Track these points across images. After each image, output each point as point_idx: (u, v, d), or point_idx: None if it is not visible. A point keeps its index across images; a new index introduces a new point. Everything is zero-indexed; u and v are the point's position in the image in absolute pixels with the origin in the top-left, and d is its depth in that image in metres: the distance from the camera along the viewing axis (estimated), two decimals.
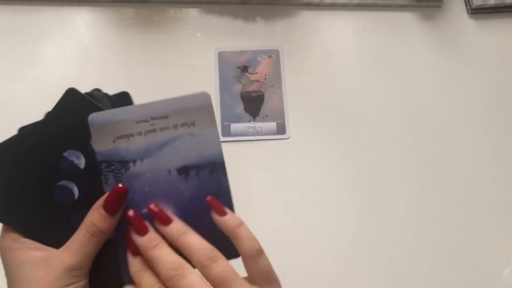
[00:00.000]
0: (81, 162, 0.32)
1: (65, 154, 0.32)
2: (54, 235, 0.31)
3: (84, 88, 0.62)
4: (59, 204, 0.32)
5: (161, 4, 0.66)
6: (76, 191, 0.32)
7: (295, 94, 0.62)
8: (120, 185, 0.30)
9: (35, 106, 0.60)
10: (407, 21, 0.67)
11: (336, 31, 0.67)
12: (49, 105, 0.64)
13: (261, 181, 0.58)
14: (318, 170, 0.59)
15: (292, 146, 0.60)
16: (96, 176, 0.30)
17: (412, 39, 0.66)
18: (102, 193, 0.31)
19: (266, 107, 0.61)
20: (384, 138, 0.61)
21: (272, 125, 0.61)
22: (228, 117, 0.60)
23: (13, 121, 0.63)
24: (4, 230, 0.32)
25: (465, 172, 0.60)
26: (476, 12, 0.68)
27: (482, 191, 0.59)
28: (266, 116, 0.61)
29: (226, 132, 0.59)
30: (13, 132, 0.60)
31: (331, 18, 0.67)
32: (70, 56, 0.63)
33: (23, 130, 0.33)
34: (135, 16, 0.66)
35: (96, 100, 0.34)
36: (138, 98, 0.61)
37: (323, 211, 0.57)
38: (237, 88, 0.62)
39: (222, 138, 0.59)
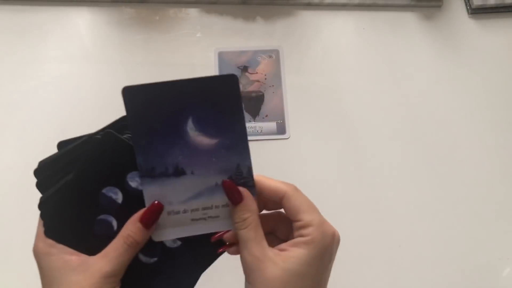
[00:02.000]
0: (119, 197, 0.35)
1: (103, 191, 0.35)
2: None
3: (84, 86, 0.62)
4: (99, 235, 0.34)
5: (161, 4, 0.66)
6: (115, 223, 0.35)
7: (295, 94, 0.62)
8: (156, 202, 0.33)
9: (36, 105, 0.61)
10: (407, 21, 0.67)
11: (336, 31, 0.67)
12: (49, 105, 0.64)
13: None
14: (318, 170, 0.59)
15: (292, 146, 0.60)
16: (133, 209, 0.34)
17: (412, 39, 0.66)
18: None
19: (266, 107, 0.61)
20: (384, 138, 0.61)
21: (272, 125, 0.61)
22: None
23: (14, 120, 0.63)
24: (39, 235, 0.34)
25: (465, 172, 0.60)
26: (476, 12, 0.68)
27: (482, 191, 0.59)
28: (266, 116, 0.61)
29: None
30: (14, 131, 0.60)
31: (331, 18, 0.67)
32: (70, 56, 0.63)
33: (62, 147, 0.36)
34: (135, 16, 0.66)
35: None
36: None
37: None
38: None
39: None
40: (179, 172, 0.33)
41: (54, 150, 0.35)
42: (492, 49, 0.66)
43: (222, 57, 0.64)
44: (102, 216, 0.35)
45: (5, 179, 0.56)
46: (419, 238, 0.56)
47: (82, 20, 0.65)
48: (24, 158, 0.57)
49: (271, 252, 0.32)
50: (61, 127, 0.58)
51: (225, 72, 0.63)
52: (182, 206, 0.34)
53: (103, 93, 0.61)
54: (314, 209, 0.35)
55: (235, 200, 0.34)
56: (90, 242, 0.34)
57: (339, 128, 0.61)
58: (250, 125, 0.60)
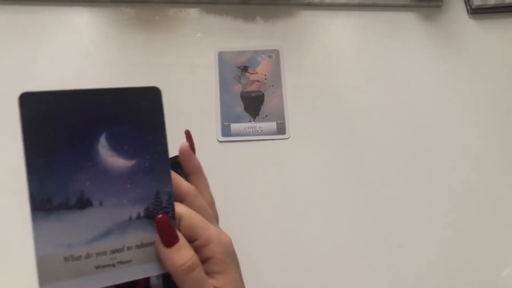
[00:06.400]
0: None
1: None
2: None
3: (84, 86, 0.62)
4: None
5: (161, 4, 0.66)
6: None
7: (295, 94, 0.62)
8: None
9: None
10: (407, 21, 0.67)
11: (336, 31, 0.67)
12: None
13: (261, 181, 0.58)
14: (318, 170, 0.59)
15: (292, 146, 0.60)
16: None
17: (412, 39, 0.66)
18: None
19: (266, 107, 0.61)
20: (384, 138, 0.61)
21: (272, 125, 0.61)
22: (228, 117, 0.60)
23: (14, 121, 0.63)
24: None
25: (465, 172, 0.60)
26: (476, 12, 0.68)
27: (482, 191, 0.59)
28: (266, 116, 0.61)
29: (226, 132, 0.59)
30: (14, 131, 0.60)
31: (331, 18, 0.67)
32: (70, 56, 0.63)
33: None
34: (135, 16, 0.66)
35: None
36: None
37: (323, 211, 0.57)
38: (237, 88, 0.62)
39: (222, 138, 0.59)
40: (84, 203, 0.27)
41: None
42: (492, 49, 0.66)
43: (222, 57, 0.64)
44: None
45: (5, 180, 0.56)
46: (419, 238, 0.56)
47: (82, 20, 0.65)
48: None
49: None
50: None
51: (225, 72, 0.63)
52: (85, 249, 0.27)
53: None
54: (207, 221, 0.30)
55: (170, 240, 0.28)
56: None
57: (339, 128, 0.61)
58: (250, 125, 0.60)
